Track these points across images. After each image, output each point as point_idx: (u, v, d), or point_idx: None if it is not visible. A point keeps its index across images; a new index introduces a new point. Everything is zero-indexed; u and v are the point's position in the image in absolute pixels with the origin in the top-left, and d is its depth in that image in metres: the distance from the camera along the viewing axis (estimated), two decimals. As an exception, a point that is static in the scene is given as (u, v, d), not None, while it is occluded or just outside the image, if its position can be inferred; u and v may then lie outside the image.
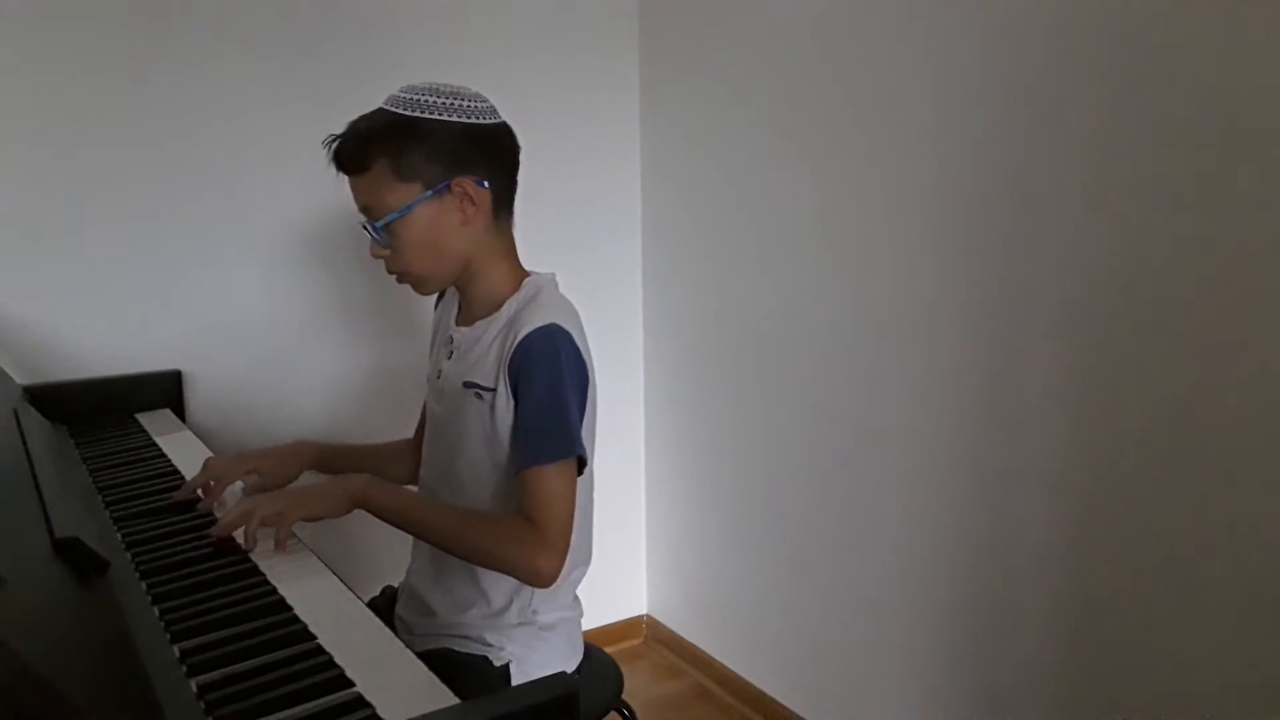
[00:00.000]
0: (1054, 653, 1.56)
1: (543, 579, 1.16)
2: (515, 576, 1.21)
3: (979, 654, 1.69)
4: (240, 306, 1.92)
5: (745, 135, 2.06)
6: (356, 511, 1.21)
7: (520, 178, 1.31)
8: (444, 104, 1.21)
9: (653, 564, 2.55)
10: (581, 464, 1.22)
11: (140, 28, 1.76)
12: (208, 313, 1.89)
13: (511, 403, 1.22)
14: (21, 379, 1.67)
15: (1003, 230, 1.56)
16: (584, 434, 1.24)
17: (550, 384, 1.19)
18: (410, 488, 1.43)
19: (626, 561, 2.55)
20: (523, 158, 1.30)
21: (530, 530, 1.16)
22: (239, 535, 1.14)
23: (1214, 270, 1.29)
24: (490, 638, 1.28)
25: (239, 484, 1.35)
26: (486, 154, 1.25)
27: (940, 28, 1.61)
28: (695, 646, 2.41)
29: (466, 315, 1.33)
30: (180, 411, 1.81)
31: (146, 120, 1.79)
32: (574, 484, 1.20)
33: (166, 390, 1.81)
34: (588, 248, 2.33)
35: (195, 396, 1.88)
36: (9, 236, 1.70)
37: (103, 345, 1.79)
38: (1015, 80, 1.51)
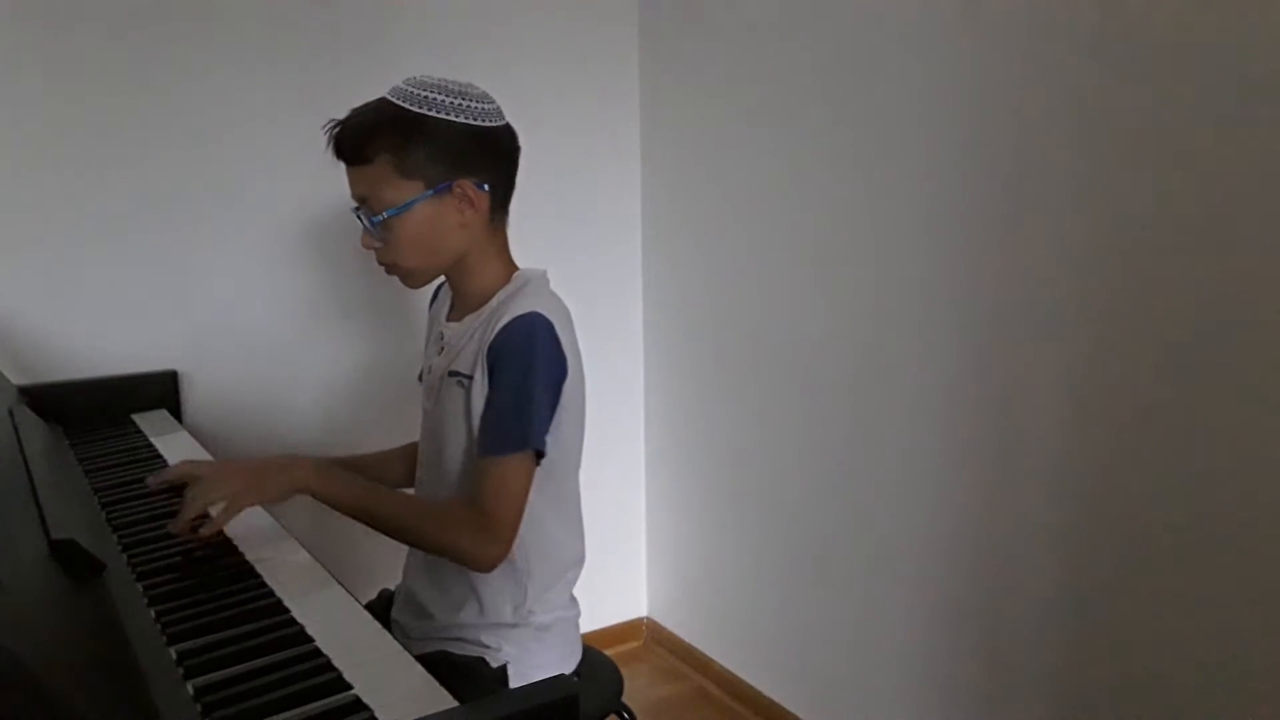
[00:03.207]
0: (1052, 652, 1.55)
1: (486, 565, 1.19)
2: (460, 562, 1.21)
3: (978, 656, 1.69)
4: (237, 306, 1.92)
5: (745, 139, 2.06)
6: None
7: (521, 180, 1.31)
8: (451, 103, 1.21)
9: (653, 566, 2.54)
10: (539, 456, 1.22)
11: (139, 30, 1.75)
12: (204, 313, 1.88)
13: (486, 388, 1.22)
14: (17, 379, 1.66)
15: (999, 233, 1.55)
16: (562, 428, 1.24)
17: (521, 373, 1.19)
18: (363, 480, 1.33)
19: (626, 563, 2.54)
20: (524, 161, 1.30)
21: (480, 518, 1.17)
22: (177, 523, 1.11)
23: (1212, 268, 1.29)
24: (487, 639, 1.27)
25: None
26: (490, 156, 1.25)
27: (939, 34, 1.61)
28: (695, 649, 2.40)
29: (458, 312, 1.33)
30: (177, 412, 1.81)
31: (144, 121, 1.78)
32: (529, 476, 1.20)
33: (163, 390, 1.81)
34: (588, 250, 2.33)
35: (192, 397, 1.88)
36: (6, 237, 1.69)
37: (99, 345, 1.78)
38: (1013, 83, 1.50)
